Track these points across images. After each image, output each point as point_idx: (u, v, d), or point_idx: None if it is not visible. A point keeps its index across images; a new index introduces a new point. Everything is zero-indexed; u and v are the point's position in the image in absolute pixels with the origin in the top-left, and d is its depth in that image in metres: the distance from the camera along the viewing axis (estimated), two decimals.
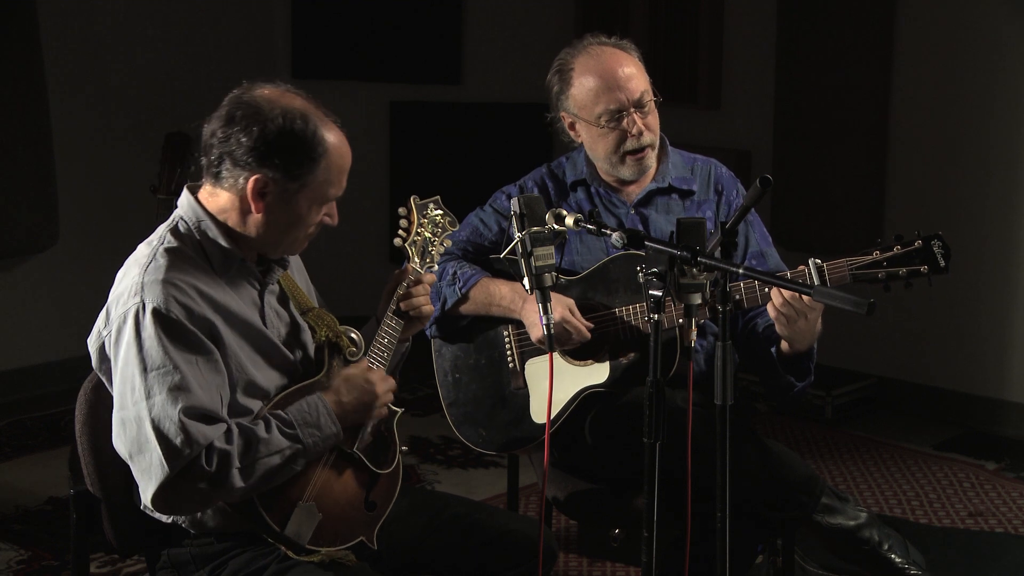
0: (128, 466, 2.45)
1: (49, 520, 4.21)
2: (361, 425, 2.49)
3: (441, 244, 2.66)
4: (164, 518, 2.43)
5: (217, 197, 2.41)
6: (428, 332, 3.17)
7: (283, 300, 2.53)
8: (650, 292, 2.29)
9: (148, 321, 2.28)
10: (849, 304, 2.17)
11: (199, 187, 2.44)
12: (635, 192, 3.17)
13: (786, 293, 2.78)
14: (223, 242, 2.39)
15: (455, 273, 3.11)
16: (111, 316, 2.35)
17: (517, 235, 2.47)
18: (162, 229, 2.43)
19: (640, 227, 3.10)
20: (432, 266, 2.65)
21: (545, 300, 2.46)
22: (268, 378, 2.43)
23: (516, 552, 2.64)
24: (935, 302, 5.16)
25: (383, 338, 2.57)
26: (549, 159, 3.32)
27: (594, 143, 3.10)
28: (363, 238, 6.12)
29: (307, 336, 2.53)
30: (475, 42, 6.23)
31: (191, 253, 2.38)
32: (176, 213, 2.45)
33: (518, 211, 2.48)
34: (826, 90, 5.27)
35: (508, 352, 3.12)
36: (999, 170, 5.08)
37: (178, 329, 2.29)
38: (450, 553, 2.63)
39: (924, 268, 2.82)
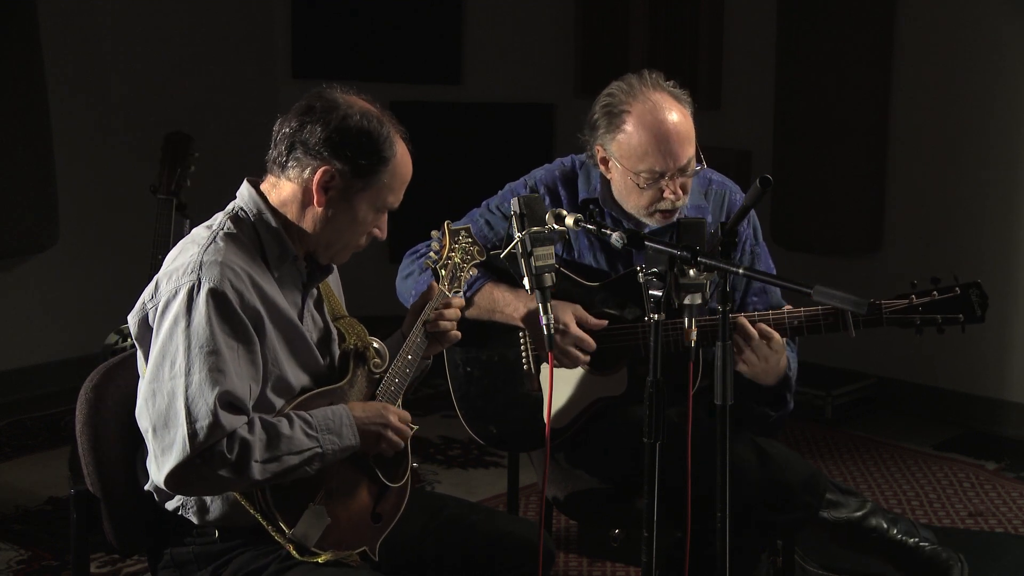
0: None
1: (49, 520, 4.21)
2: (364, 452, 2.49)
3: (469, 272, 2.68)
4: (170, 505, 2.44)
5: (280, 189, 2.44)
6: None
7: (319, 304, 2.56)
8: (650, 292, 2.29)
9: (202, 299, 2.29)
10: (849, 304, 2.18)
11: (259, 180, 2.47)
12: (647, 226, 3.12)
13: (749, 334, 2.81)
14: (283, 235, 2.43)
15: None
16: (160, 289, 2.35)
17: (517, 235, 2.47)
18: (221, 216, 2.45)
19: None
20: (459, 291, 2.67)
21: (545, 300, 2.46)
22: (297, 377, 2.45)
23: (514, 554, 2.64)
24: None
25: (407, 354, 2.59)
26: (549, 159, 3.25)
27: (627, 192, 2.99)
28: None
29: (335, 343, 2.55)
30: (475, 42, 6.24)
31: (248, 242, 2.41)
32: (235, 203, 2.47)
33: (518, 211, 2.48)
34: (826, 90, 5.26)
35: (523, 354, 3.10)
36: (999, 170, 5.08)
37: (229, 313, 2.31)
38: (448, 554, 2.63)
39: (960, 316, 2.80)
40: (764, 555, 3.44)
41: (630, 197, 2.98)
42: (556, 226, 2.49)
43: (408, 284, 3.10)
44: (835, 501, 3.39)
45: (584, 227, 2.49)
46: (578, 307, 2.98)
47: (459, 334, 2.68)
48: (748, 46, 5.65)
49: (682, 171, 2.92)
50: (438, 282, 2.66)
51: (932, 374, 5.32)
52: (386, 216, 2.50)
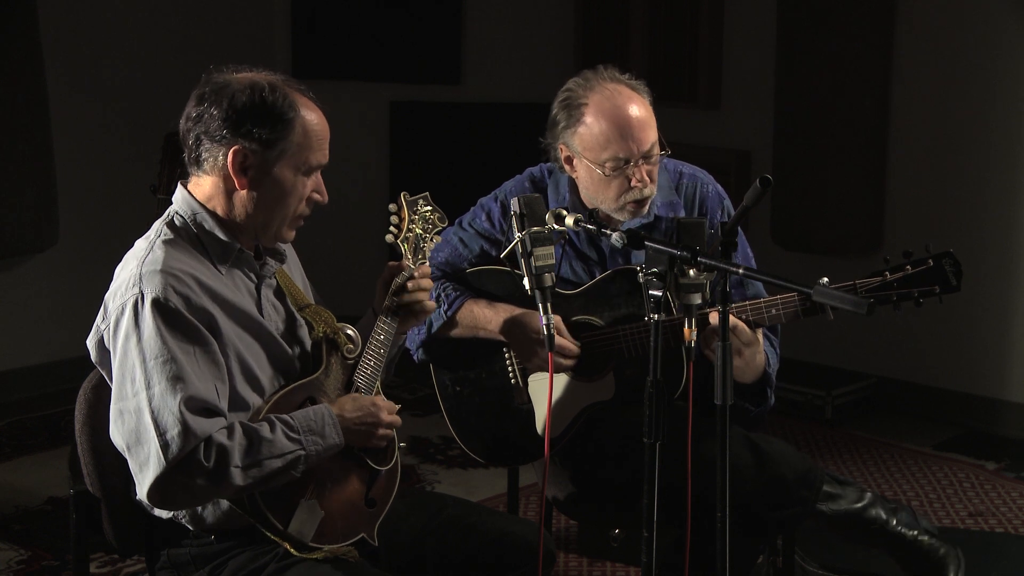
0: (127, 464, 2.45)
1: (49, 520, 4.21)
2: (357, 447, 2.48)
3: (432, 240, 2.63)
4: (164, 514, 2.43)
5: (202, 184, 2.43)
6: (415, 357, 3.12)
7: (280, 295, 2.54)
8: (650, 292, 2.29)
9: (147, 311, 2.28)
10: (849, 304, 2.17)
11: (188, 182, 2.46)
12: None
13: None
14: (219, 232, 2.41)
15: (439, 295, 3.05)
16: (109, 309, 2.35)
17: (517, 235, 2.47)
18: (158, 224, 2.44)
19: (621, 262, 3.06)
20: (424, 262, 2.63)
21: (545, 300, 2.46)
22: (265, 371, 2.44)
23: (514, 554, 2.64)
24: (935, 302, 5.16)
25: (379, 335, 2.57)
26: (548, 159, 3.25)
27: (594, 187, 2.97)
28: (362, 237, 6.11)
29: (304, 332, 2.53)
30: (475, 42, 6.24)
31: (188, 245, 2.39)
32: (171, 208, 2.46)
33: (518, 211, 2.48)
34: (826, 90, 5.27)
35: (510, 368, 3.09)
36: (999, 170, 5.08)
37: (177, 319, 2.30)
38: (449, 554, 2.63)
39: (936, 288, 2.79)
40: (764, 554, 3.44)
41: (598, 191, 2.97)
42: (556, 226, 2.49)
43: None
44: (833, 494, 3.39)
45: (584, 227, 2.49)
46: (557, 318, 2.97)
47: (434, 304, 2.65)
48: (748, 46, 5.65)
49: (646, 157, 2.92)
50: (402, 257, 2.61)
51: (932, 374, 5.32)
52: (318, 176, 2.45)
